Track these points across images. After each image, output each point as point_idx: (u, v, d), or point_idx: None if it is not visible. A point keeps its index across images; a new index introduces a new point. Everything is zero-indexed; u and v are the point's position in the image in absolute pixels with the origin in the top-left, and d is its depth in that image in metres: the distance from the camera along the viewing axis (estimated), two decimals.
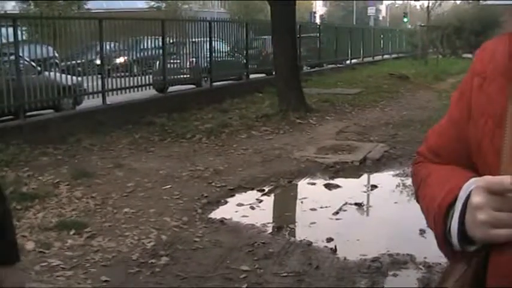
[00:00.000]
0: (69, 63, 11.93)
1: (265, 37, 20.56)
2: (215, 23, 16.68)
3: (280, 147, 9.66)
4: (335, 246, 5.44)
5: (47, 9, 27.12)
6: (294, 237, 5.85)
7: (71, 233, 5.69)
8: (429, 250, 5.49)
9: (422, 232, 5.89)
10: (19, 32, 10.31)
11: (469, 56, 36.17)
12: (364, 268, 4.99)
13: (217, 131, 10.86)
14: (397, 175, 8.40)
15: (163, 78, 13.85)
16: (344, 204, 6.92)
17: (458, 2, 53.41)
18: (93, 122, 10.87)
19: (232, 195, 7.23)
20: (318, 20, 61.72)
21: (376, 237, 5.91)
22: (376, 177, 8.31)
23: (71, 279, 4.77)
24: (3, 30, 10.08)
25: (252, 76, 18.51)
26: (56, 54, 11.94)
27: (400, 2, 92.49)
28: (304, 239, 5.67)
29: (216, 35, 16.30)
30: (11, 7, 30.67)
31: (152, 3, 42.99)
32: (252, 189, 7.50)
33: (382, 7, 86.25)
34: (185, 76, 15.59)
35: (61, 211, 6.32)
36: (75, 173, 7.77)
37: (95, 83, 11.93)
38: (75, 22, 12.33)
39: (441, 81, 21.52)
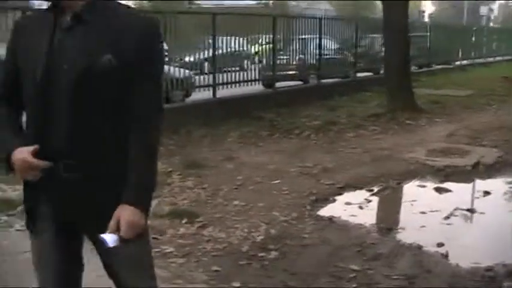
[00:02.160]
0: (181, 57, 12.21)
1: (373, 35, 20.34)
2: (325, 20, 16.64)
3: (389, 148, 9.53)
4: (447, 252, 5.32)
5: (162, 5, 27.88)
6: (404, 239, 5.75)
7: (183, 221, 5.84)
8: None
9: None
10: None
11: None
12: (477, 276, 4.84)
13: (325, 128, 10.87)
14: (511, 182, 8.11)
15: (272, 73, 13.95)
16: (455, 209, 6.74)
17: None
18: (204, 115, 11.11)
19: (341, 194, 7.20)
20: (426, 19, 60.40)
21: (489, 245, 5.72)
22: (489, 184, 8.03)
23: (183, 266, 4.89)
24: None
25: (359, 75, 18.35)
26: (166, 47, 12.25)
27: None
28: (414, 242, 5.56)
29: (325, 33, 16.25)
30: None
31: None
32: (361, 188, 7.44)
33: (494, 6, 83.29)
34: (293, 72, 15.65)
35: (173, 200, 6.51)
36: (187, 163, 7.99)
37: (205, 77, 12.18)
38: (189, 17, 12.62)
39: None
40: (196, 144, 9.47)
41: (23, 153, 2.20)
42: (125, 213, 2.21)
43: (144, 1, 30.57)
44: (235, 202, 6.53)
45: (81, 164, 2.23)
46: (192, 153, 8.72)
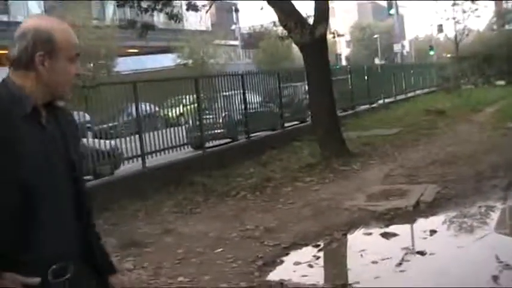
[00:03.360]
0: (102, 127, 11.86)
1: (295, 84, 20.47)
2: (247, 75, 16.62)
3: (328, 198, 9.36)
4: None
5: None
6: None
7: None
8: None
9: (495, 279, 5.56)
10: None
11: (502, 83, 35.72)
12: None
13: (261, 186, 10.63)
14: (454, 217, 8.06)
15: (200, 134, 13.70)
16: (406, 254, 6.59)
17: (481, 29, 53.13)
18: (135, 187, 10.72)
19: (288, 254, 6.94)
20: (344, 62, 61.88)
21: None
22: (433, 221, 7.93)
23: None
24: None
25: (286, 125, 18.33)
26: (88, 119, 11.92)
27: (423, 35, 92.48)
28: None
29: (248, 87, 16.20)
30: None
31: (179, 60, 43.44)
32: (307, 245, 7.21)
33: (405, 42, 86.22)
34: (220, 131, 15.46)
35: None
36: (123, 242, 7.56)
37: (132, 146, 11.81)
38: (109, 87, 12.33)
39: (479, 112, 21.11)
40: (130, 219, 9.05)
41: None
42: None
43: None
44: (180, 279, 6.17)
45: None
46: (128, 231, 8.30)
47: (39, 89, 2.15)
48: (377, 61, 59.43)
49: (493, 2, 46.24)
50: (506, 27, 45.01)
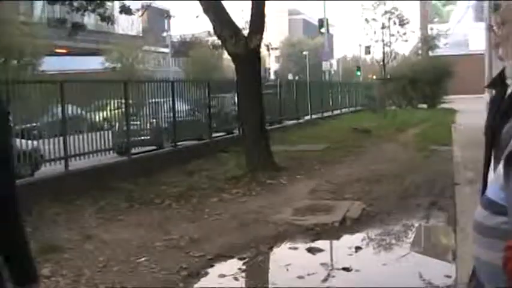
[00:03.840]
0: (24, 126, 11.44)
1: (224, 95, 20.39)
2: (177, 83, 16.42)
3: (255, 210, 9.27)
4: None
5: (0, 72, 26.58)
6: None
7: None
8: None
9: None
10: None
11: (424, 106, 36.71)
12: None
13: (187, 195, 10.45)
14: (379, 234, 8.13)
15: (127, 140, 13.40)
16: (331, 270, 6.58)
17: (406, 54, 54.52)
18: (56, 190, 10.35)
19: (212, 265, 6.80)
20: (272, 76, 62.29)
21: None
22: (359, 238, 7.99)
23: None
24: None
25: (214, 135, 18.19)
26: (11, 118, 11.49)
27: (351, 55, 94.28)
28: None
29: (177, 95, 15.99)
30: None
31: (107, 63, 42.73)
32: (232, 257, 7.09)
33: (333, 61, 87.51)
34: (147, 138, 15.20)
35: None
36: (41, 248, 7.22)
37: (55, 148, 11.43)
38: (34, 85, 11.93)
39: (403, 132, 21.55)
40: (50, 224, 8.69)
41: None
42: None
43: None
44: (100, 287, 5.92)
45: None
46: (46, 235, 7.94)
47: None
48: (290, 77, 60.28)
49: (419, 28, 47.72)
50: (430, 53, 46.40)
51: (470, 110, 26.70)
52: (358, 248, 7.45)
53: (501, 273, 1.42)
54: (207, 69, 45.38)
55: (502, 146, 1.64)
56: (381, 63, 37.75)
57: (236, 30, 13.00)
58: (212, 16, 12.87)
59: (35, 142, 11.45)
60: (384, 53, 36.92)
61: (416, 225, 8.72)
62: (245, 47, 12.50)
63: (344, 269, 6.55)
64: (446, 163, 13.13)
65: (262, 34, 12.99)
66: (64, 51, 40.52)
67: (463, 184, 9.82)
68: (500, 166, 1.56)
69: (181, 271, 6.45)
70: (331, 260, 7.10)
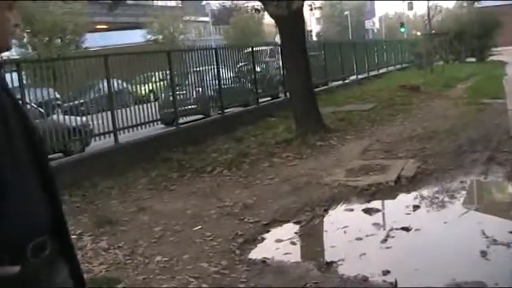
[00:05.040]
0: (72, 103, 11.50)
1: (268, 60, 20.20)
2: (220, 50, 16.28)
3: (307, 173, 9.14)
4: (395, 280, 4.92)
5: (45, 51, 26.85)
6: (347, 272, 5.30)
7: None
8: (497, 274, 5.02)
9: (483, 254, 5.41)
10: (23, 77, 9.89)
11: (473, 60, 35.86)
12: None
13: (237, 162, 10.36)
14: (437, 192, 7.89)
15: (173, 111, 13.36)
16: (390, 230, 6.41)
17: (451, 7, 53.24)
18: (107, 164, 10.39)
19: (268, 231, 6.71)
20: (314, 38, 61.64)
21: (435, 264, 5.36)
22: (416, 197, 7.78)
23: None
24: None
25: (260, 101, 18.05)
26: (58, 96, 11.55)
27: (393, 13, 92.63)
28: (358, 274, 5.15)
29: (221, 62, 15.86)
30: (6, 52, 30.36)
31: (149, 36, 42.81)
32: (288, 221, 6.99)
33: (375, 19, 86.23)
34: (193, 107, 15.14)
35: (89, 266, 5.79)
36: (97, 221, 7.26)
37: (103, 122, 11.45)
38: (79, 61, 11.95)
39: (452, 88, 21.10)
40: (104, 197, 8.73)
41: None
42: None
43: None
44: (158, 258, 5.89)
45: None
46: (101, 209, 7.98)
47: None
48: (350, 38, 59.37)
49: None
50: (476, 4, 45.17)
51: None
52: (416, 207, 7.27)
53: None
54: (248, 35, 45.11)
55: None
56: (425, 18, 36.80)
57: None
58: None
59: (84, 118, 11.51)
60: (428, 7, 35.98)
61: (474, 181, 8.46)
62: (287, 8, 12.24)
63: (403, 228, 6.38)
64: (501, 116, 12.76)
65: None
66: (105, 27, 40.75)
67: None
68: None
69: (237, 238, 6.37)
70: (389, 220, 6.92)
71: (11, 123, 1.90)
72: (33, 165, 1.94)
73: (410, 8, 62.91)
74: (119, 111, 11.77)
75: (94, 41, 35.36)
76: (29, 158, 1.93)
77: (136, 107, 12.69)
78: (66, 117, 11.16)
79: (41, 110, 10.31)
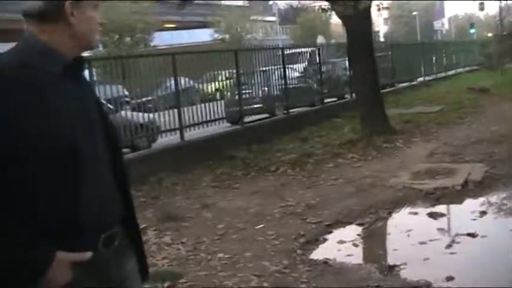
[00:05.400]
0: (140, 100, 11.73)
1: (334, 60, 20.10)
2: (287, 49, 16.30)
3: (371, 175, 9.06)
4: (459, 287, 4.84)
5: (116, 49, 27.45)
6: (410, 277, 5.24)
7: (165, 285, 5.26)
8: None
9: None
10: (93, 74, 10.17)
11: None
12: None
13: (301, 162, 10.37)
14: (504, 198, 7.69)
15: (239, 109, 13.47)
16: (455, 236, 6.29)
17: None
18: (173, 160, 10.56)
19: (331, 232, 6.69)
20: (381, 39, 60.97)
21: (500, 272, 5.23)
22: (483, 202, 7.60)
23: None
24: None
25: (325, 101, 18.01)
26: (126, 93, 11.81)
27: (462, 13, 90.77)
28: (421, 279, 5.07)
29: (287, 62, 15.88)
30: None
31: (216, 35, 43.20)
32: (351, 223, 6.95)
33: (445, 20, 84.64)
34: (259, 106, 15.22)
35: (152, 260, 5.90)
36: (162, 216, 7.40)
37: (170, 120, 11.64)
38: (148, 59, 12.19)
39: None
40: (168, 193, 8.89)
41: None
42: None
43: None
44: (220, 255, 5.96)
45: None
46: (166, 204, 8.14)
47: (70, 42, 1.97)
48: (418, 39, 58.39)
49: None
50: None
51: None
52: (482, 213, 7.10)
53: None
54: (315, 35, 44.97)
55: None
56: (497, 18, 35.88)
57: None
58: None
59: (151, 115, 11.73)
60: (500, 7, 35.07)
61: None
62: (355, 8, 12.15)
63: (469, 234, 6.23)
64: None
65: None
66: (173, 25, 41.34)
67: None
68: None
69: (299, 238, 6.37)
70: (455, 225, 6.80)
71: (92, 114, 2.02)
72: (109, 157, 2.04)
73: (482, 8, 61.40)
74: (185, 108, 11.96)
75: (162, 39, 35.93)
76: (105, 150, 2.02)
77: (203, 105, 12.85)
78: (134, 113, 11.40)
79: (110, 106, 10.55)
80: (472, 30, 55.55)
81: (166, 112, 11.74)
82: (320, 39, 31.81)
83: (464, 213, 7.28)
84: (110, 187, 2.03)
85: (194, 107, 12.57)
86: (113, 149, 2.09)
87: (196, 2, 23.22)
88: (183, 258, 5.99)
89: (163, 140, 11.76)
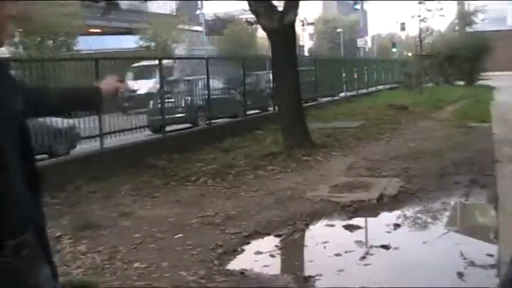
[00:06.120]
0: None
1: (258, 73, 20.24)
2: (211, 60, 16.32)
3: (291, 187, 9.17)
4: None
5: (37, 52, 26.80)
6: (324, 287, 5.33)
7: None
8: None
9: (460, 275, 5.45)
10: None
11: (461, 83, 36.08)
12: None
13: (222, 172, 10.38)
14: (418, 212, 7.93)
15: (162, 118, 13.37)
16: (370, 247, 6.45)
17: (443, 30, 53.67)
18: (92, 167, 10.37)
19: (249, 243, 6.72)
20: (306, 53, 61.85)
21: (412, 284, 5.39)
22: (397, 215, 7.80)
23: None
24: None
25: (248, 113, 18.11)
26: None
27: (386, 32, 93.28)
28: None
29: (212, 72, 15.89)
30: None
31: (141, 42, 42.80)
32: (269, 234, 7.00)
33: (368, 38, 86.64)
34: (181, 115, 15.17)
35: (66, 269, 5.78)
36: (78, 224, 7.25)
37: (91, 126, 11.45)
38: (70, 63, 11.96)
39: (440, 109, 21.20)
40: (86, 201, 8.72)
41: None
42: None
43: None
44: (136, 264, 5.89)
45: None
46: (83, 212, 7.98)
47: None
48: (341, 55, 59.49)
49: (456, 2, 46.83)
50: (467, 29, 45.55)
51: (508, 87, 26.24)
52: (396, 226, 7.29)
53: None
54: (241, 47, 45.22)
55: None
56: (417, 39, 37.03)
57: (271, 5, 12.82)
58: None
59: (71, 121, 11.50)
60: (420, 28, 36.23)
61: (456, 203, 8.52)
62: (280, 22, 12.31)
63: (383, 246, 6.40)
64: (486, 140, 12.84)
65: (297, 9, 12.78)
66: (98, 30, 40.72)
67: (504, 161, 9.57)
68: None
69: (217, 248, 6.37)
70: (369, 237, 6.97)
71: (5, 111, 1.92)
72: (20, 162, 1.95)
73: (403, 28, 63.32)
74: (106, 115, 11.77)
75: (87, 44, 35.32)
76: (17, 154, 1.94)
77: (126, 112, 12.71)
78: (53, 118, 11.15)
79: None
80: (394, 50, 57.07)
81: (87, 118, 11.53)
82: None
83: (379, 226, 7.46)
84: (20, 194, 1.96)
85: (116, 114, 12.40)
86: (25, 152, 2.02)
87: (122, 7, 22.97)
88: (98, 267, 5.89)
89: (83, 147, 11.55)
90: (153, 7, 41.35)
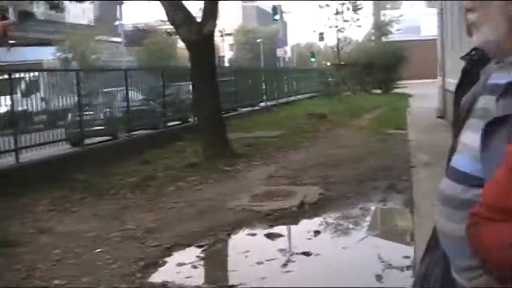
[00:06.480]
0: None
1: (178, 83, 20.18)
2: (130, 71, 16.17)
3: (212, 198, 9.19)
4: None
5: None
6: None
7: None
8: None
9: (379, 278, 5.61)
10: None
11: (378, 91, 37.00)
12: None
13: (143, 185, 10.30)
14: (338, 218, 8.12)
15: (80, 130, 13.14)
16: (291, 255, 6.54)
17: (360, 40, 54.99)
18: (6, 183, 10.07)
19: (170, 254, 6.69)
20: (226, 64, 62.08)
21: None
22: (317, 222, 7.94)
23: None
24: None
25: (168, 124, 18.03)
26: None
27: (305, 42, 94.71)
28: None
29: (131, 84, 15.75)
30: None
31: (58, 54, 41.90)
32: (190, 245, 6.99)
33: (287, 48, 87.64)
34: (100, 128, 14.95)
35: None
36: None
37: (5, 140, 11.14)
38: None
39: (358, 117, 21.66)
40: (1, 218, 8.45)
41: None
42: None
43: None
44: (56, 282, 5.78)
45: None
46: None
47: None
48: (261, 65, 59.94)
49: (372, 13, 48.13)
50: (383, 39, 46.84)
51: (423, 95, 27.08)
52: (317, 232, 7.42)
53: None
54: (161, 58, 44.95)
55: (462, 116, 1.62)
56: (335, 49, 37.81)
57: (189, 16, 12.84)
58: (164, 1, 12.68)
59: None
60: (338, 39, 37.01)
61: (373, 208, 8.74)
62: (199, 33, 12.34)
63: (304, 253, 6.51)
64: (402, 147, 13.21)
65: (215, 20, 12.86)
66: (13, 41, 39.57)
67: (419, 167, 9.88)
68: (471, 137, 1.50)
69: (138, 261, 6.31)
70: (291, 245, 7.07)
71: None
72: None
73: (321, 38, 64.39)
74: (21, 129, 11.49)
75: (1, 55, 34.28)
76: None
77: (42, 125, 12.42)
78: None
79: None
80: (313, 59, 58.01)
81: (3, 132, 11.22)
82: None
83: (300, 233, 7.57)
84: None
85: (32, 127, 12.10)
86: None
87: (39, 17, 22.50)
88: (16, 286, 5.73)
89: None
90: (71, 18, 40.59)
